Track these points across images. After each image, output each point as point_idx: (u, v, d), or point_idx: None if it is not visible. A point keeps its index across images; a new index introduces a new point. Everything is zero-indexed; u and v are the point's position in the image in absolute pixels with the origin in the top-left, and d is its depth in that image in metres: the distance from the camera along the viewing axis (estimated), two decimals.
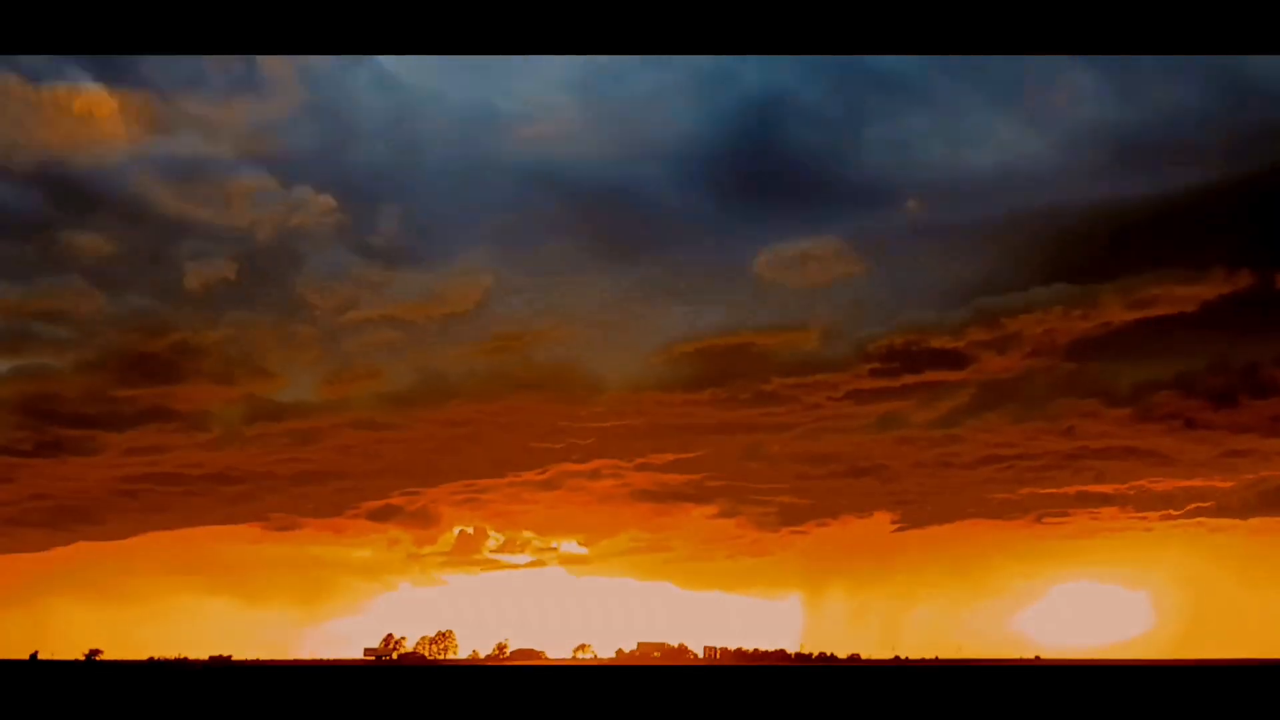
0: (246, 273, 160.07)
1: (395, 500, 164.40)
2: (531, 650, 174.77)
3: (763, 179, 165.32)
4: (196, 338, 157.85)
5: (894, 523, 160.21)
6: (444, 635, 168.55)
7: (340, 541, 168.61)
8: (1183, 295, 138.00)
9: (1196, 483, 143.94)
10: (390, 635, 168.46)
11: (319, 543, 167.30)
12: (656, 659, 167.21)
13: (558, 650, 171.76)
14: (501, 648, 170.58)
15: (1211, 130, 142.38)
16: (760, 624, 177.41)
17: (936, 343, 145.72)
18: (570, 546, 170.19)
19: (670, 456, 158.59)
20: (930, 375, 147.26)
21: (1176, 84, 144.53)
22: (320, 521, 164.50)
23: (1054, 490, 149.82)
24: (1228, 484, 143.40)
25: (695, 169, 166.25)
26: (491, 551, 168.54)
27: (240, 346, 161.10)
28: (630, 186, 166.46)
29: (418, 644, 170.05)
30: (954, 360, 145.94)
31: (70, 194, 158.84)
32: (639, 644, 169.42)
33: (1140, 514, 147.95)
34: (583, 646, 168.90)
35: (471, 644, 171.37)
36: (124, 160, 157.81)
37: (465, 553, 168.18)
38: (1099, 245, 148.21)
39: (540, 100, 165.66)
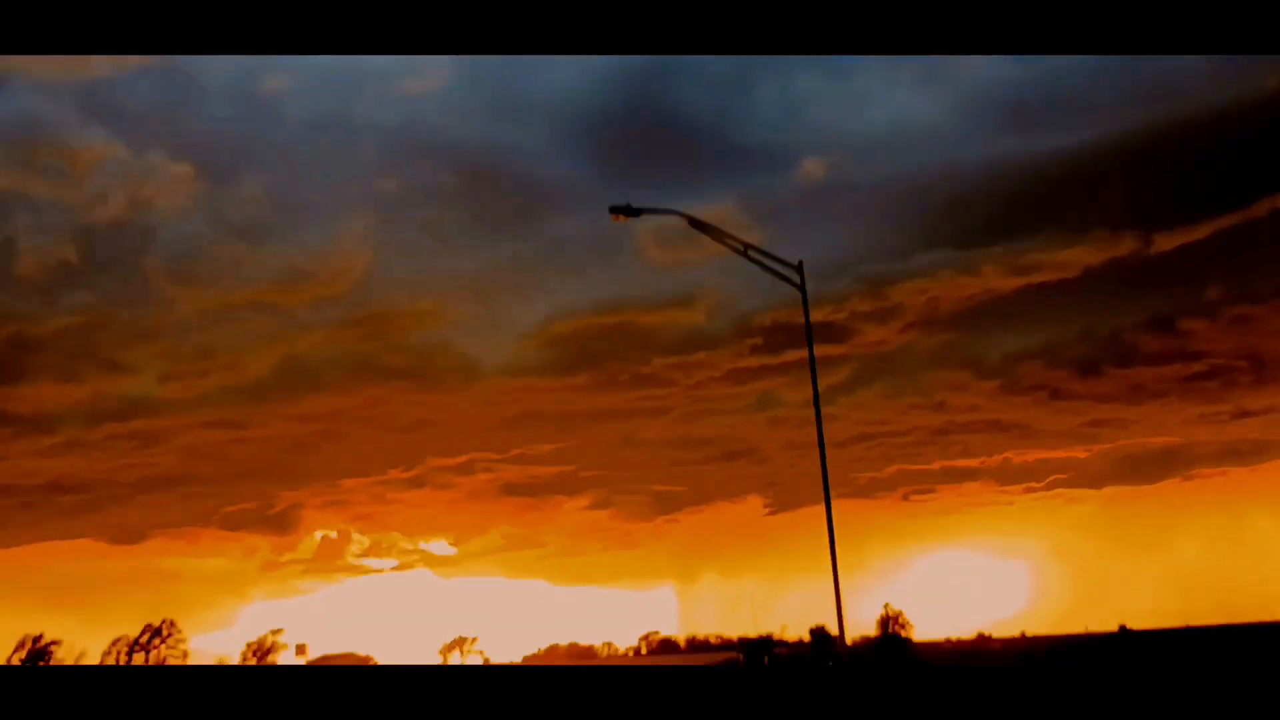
0: (90, 253, 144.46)
1: (251, 505, 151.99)
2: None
3: (648, 142, 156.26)
4: (34, 329, 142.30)
5: (765, 506, 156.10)
6: (301, 648, 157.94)
7: (192, 552, 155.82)
8: (1064, 261, 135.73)
9: (1057, 454, 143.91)
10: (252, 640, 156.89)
11: (169, 554, 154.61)
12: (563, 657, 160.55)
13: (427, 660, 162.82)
14: (367, 660, 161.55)
15: (1103, 88, 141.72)
16: (634, 616, 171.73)
17: (819, 315, 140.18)
18: (439, 547, 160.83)
19: (544, 446, 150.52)
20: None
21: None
22: (169, 531, 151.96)
23: (921, 466, 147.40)
24: (1086, 454, 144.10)
25: (577, 131, 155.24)
26: (356, 556, 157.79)
27: (85, 337, 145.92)
28: (508, 150, 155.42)
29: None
30: (835, 334, 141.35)
31: None
32: (549, 646, 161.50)
33: (1003, 487, 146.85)
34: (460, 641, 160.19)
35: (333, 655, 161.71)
36: None
37: (328, 559, 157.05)
38: (986, 209, 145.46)
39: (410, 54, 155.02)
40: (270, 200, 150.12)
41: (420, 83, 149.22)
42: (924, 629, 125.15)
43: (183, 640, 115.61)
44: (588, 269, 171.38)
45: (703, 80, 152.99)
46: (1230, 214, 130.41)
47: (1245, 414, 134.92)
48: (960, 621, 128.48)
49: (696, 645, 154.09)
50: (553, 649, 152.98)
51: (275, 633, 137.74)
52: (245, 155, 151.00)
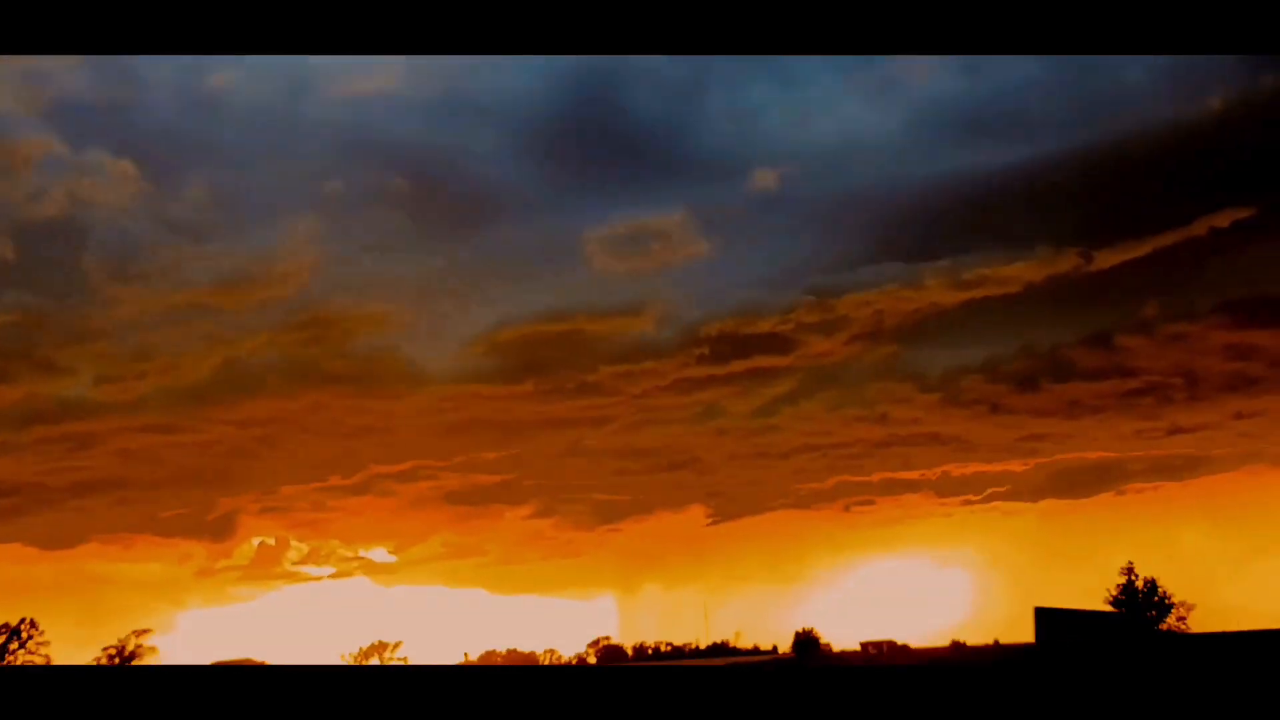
0: (27, 250, 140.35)
1: (187, 511, 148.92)
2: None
3: (601, 148, 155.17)
4: None
5: (708, 516, 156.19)
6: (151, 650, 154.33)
7: (126, 558, 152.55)
8: (1008, 276, 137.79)
9: (995, 467, 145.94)
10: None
11: (103, 559, 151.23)
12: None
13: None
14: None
15: (1051, 104, 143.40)
16: (575, 625, 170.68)
17: (766, 326, 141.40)
18: (379, 555, 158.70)
19: (487, 455, 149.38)
20: (759, 360, 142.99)
21: (1019, 58, 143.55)
22: (103, 537, 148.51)
23: (862, 478, 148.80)
24: (1023, 468, 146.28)
25: (527, 135, 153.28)
26: (294, 563, 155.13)
27: (20, 337, 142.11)
28: (457, 153, 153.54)
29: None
30: (781, 345, 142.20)
31: None
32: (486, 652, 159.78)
33: (942, 499, 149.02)
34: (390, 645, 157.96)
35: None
36: None
37: (265, 565, 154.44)
38: (932, 223, 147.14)
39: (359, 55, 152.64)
40: (214, 200, 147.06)
41: (369, 82, 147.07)
42: (857, 639, 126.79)
43: (45, 643, 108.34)
44: (536, 275, 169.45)
45: (655, 87, 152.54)
46: (1170, 232, 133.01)
47: (1179, 430, 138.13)
48: (894, 631, 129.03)
49: (643, 653, 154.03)
50: (489, 655, 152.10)
51: (139, 634, 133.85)
52: (188, 153, 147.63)
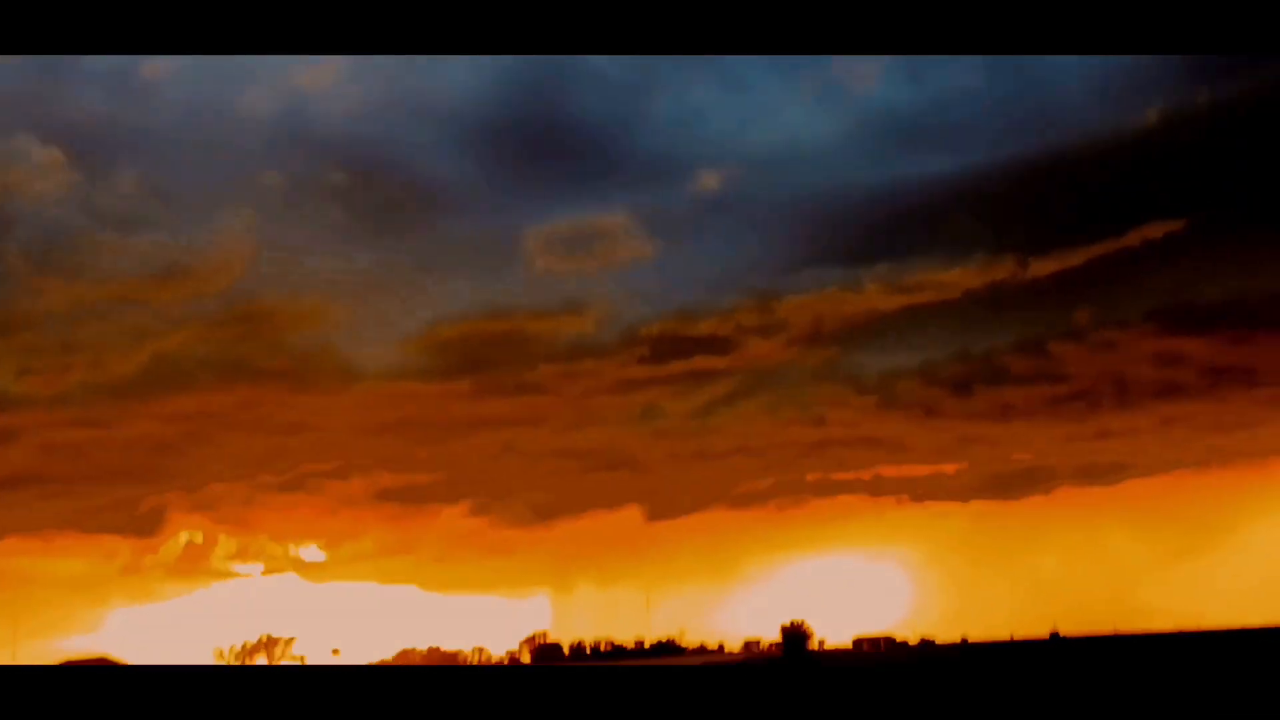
0: None
1: (112, 506, 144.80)
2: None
3: (544, 147, 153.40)
4: None
5: (644, 515, 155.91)
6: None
7: (47, 554, 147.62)
8: (946, 282, 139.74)
9: (928, 469, 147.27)
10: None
11: (24, 555, 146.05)
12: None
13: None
14: None
15: (992, 113, 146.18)
16: (506, 623, 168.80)
17: (706, 327, 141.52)
18: (310, 552, 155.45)
19: (422, 453, 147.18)
20: (698, 362, 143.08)
21: (963, 67, 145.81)
22: (23, 533, 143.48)
23: (797, 478, 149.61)
24: (955, 470, 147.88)
25: (469, 132, 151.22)
26: (222, 560, 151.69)
27: None
28: (398, 148, 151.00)
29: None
30: (720, 346, 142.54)
31: None
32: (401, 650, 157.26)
33: (875, 500, 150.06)
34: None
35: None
36: None
37: (192, 563, 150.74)
38: (873, 228, 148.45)
39: None
40: (145, 190, 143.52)
41: (309, 75, 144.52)
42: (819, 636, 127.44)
43: None
44: (476, 273, 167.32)
45: (599, 87, 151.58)
46: (1105, 242, 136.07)
47: (1106, 435, 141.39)
48: (826, 630, 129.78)
49: (580, 652, 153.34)
50: (406, 654, 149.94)
51: None
52: (121, 142, 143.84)
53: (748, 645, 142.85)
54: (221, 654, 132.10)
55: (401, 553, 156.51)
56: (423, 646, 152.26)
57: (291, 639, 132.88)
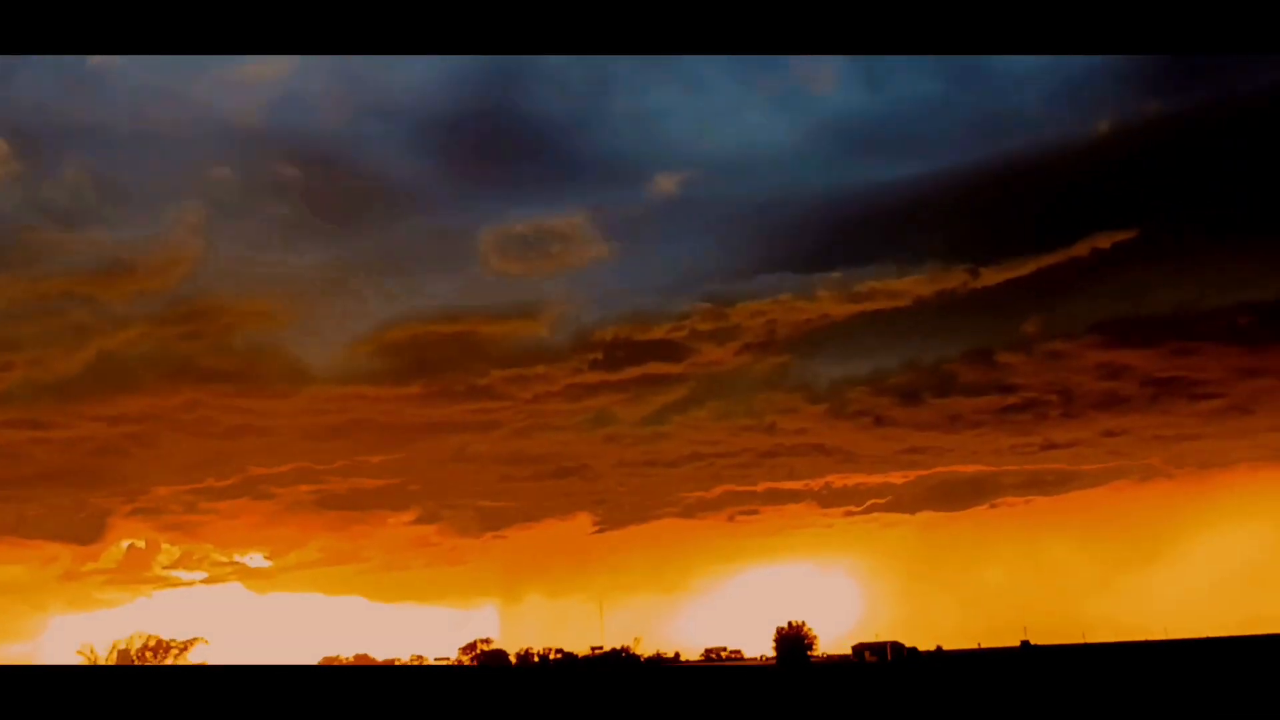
0: None
1: (52, 511, 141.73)
2: None
3: (501, 147, 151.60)
4: None
5: (594, 523, 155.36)
6: None
7: None
8: (898, 290, 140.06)
9: (876, 479, 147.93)
10: None
11: None
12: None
13: None
14: None
15: (948, 122, 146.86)
16: (454, 633, 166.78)
17: (660, 332, 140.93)
18: (254, 560, 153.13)
19: (371, 458, 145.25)
20: (651, 367, 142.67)
21: (922, 74, 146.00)
22: None
23: (747, 488, 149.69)
24: (903, 480, 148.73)
25: (426, 130, 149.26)
26: (164, 567, 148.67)
27: None
28: (353, 146, 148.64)
29: None
30: (674, 352, 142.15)
31: None
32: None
33: (824, 510, 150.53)
34: None
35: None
36: None
37: (134, 570, 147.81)
38: (828, 235, 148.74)
39: None
40: (92, 183, 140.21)
41: (263, 68, 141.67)
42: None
43: None
44: (429, 274, 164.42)
45: (558, 86, 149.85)
46: (1054, 252, 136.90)
47: (1052, 446, 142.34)
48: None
49: (528, 659, 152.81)
50: (330, 659, 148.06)
51: None
52: (66, 134, 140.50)
53: (708, 654, 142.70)
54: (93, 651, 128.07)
55: (348, 561, 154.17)
56: (349, 654, 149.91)
57: (193, 640, 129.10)
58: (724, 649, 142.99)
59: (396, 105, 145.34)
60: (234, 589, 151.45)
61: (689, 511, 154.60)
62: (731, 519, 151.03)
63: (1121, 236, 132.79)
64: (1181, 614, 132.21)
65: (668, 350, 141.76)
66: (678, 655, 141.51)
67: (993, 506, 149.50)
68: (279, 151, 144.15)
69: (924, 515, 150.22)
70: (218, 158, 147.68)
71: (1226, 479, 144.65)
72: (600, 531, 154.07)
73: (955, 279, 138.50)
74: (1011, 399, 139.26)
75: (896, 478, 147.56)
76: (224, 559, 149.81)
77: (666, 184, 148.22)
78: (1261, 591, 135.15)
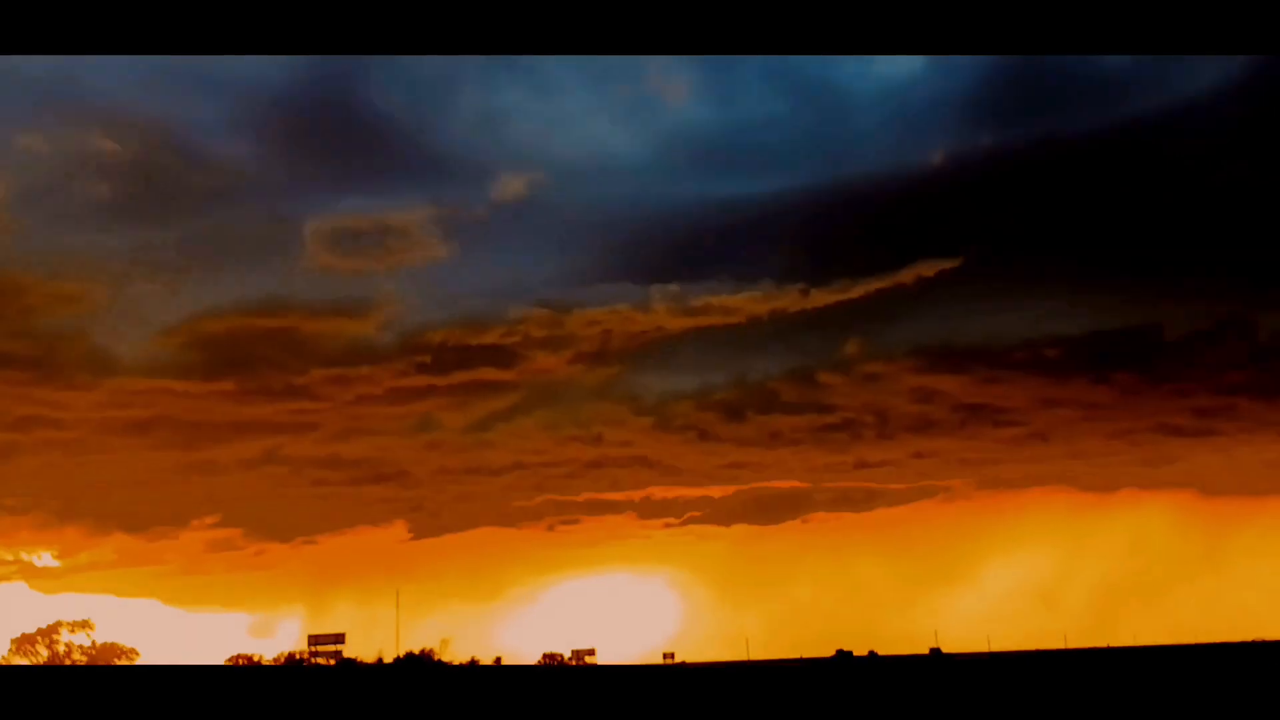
0: None
1: None
2: None
3: (337, 136, 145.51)
4: None
5: (409, 531, 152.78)
6: None
7: None
8: (732, 306, 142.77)
9: (696, 492, 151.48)
10: None
11: None
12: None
13: None
14: None
15: (792, 142, 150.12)
16: (257, 642, 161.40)
17: (492, 337, 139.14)
18: (43, 559, 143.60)
19: (177, 455, 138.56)
20: (481, 372, 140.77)
21: (773, 91, 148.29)
22: None
23: (569, 498, 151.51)
24: (721, 494, 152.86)
25: (258, 114, 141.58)
26: None
27: None
28: (178, 124, 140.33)
29: None
30: (505, 358, 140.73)
31: None
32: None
33: (644, 521, 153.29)
34: None
35: None
36: None
37: None
38: (667, 248, 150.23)
39: None
40: None
41: None
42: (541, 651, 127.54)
43: None
44: (251, 264, 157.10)
45: (403, 78, 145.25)
46: (882, 276, 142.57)
47: (864, 464, 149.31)
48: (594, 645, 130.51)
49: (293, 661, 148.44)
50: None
51: None
52: None
53: (547, 658, 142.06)
54: None
55: (146, 563, 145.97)
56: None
57: None
58: (560, 654, 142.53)
59: (229, 87, 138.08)
60: (18, 589, 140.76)
61: (510, 520, 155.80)
62: (551, 528, 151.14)
63: (946, 265, 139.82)
64: (978, 630, 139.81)
65: (500, 356, 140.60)
66: (499, 660, 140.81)
67: (805, 521, 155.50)
68: (97, 123, 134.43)
69: (739, 528, 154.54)
70: (27, 123, 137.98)
71: (1021, 500, 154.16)
72: (414, 539, 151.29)
73: (787, 298, 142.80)
74: (830, 418, 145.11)
75: (715, 491, 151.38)
76: (10, 557, 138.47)
77: (513, 185, 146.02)
78: (1047, 607, 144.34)
